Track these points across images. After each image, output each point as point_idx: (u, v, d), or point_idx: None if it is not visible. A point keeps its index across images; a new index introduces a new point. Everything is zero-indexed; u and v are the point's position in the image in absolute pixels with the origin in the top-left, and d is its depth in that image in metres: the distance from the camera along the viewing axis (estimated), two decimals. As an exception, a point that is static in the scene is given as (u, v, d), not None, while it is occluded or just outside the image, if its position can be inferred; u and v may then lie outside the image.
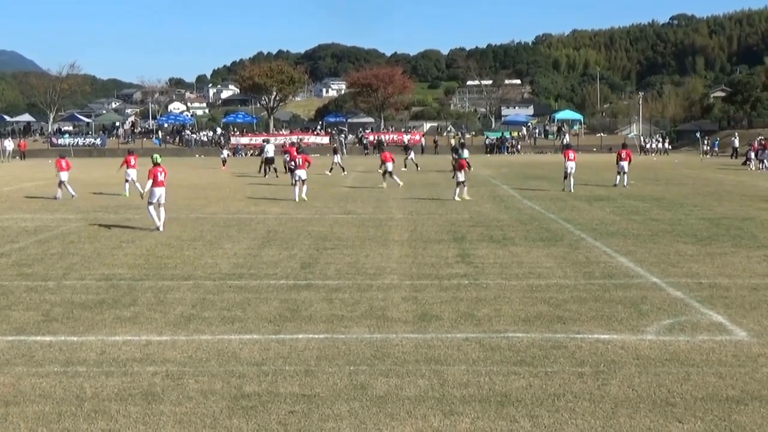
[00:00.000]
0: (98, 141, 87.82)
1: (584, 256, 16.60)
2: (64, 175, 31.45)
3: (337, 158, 48.13)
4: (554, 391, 8.33)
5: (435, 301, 12.54)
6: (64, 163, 31.93)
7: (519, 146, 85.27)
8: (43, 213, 25.75)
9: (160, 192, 21.52)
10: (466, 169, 29.71)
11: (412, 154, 48.50)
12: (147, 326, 11.09)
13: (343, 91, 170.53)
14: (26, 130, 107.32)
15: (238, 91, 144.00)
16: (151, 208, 21.43)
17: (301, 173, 29.40)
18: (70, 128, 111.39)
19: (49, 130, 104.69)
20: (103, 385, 8.62)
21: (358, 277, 14.59)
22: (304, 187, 29.49)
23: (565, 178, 34.03)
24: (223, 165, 52.16)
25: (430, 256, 16.85)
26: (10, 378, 8.87)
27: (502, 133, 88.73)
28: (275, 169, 45.12)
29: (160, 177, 21.62)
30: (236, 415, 7.73)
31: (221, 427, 7.42)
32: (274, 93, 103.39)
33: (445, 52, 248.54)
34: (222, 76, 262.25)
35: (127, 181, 33.31)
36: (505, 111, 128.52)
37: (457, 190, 29.10)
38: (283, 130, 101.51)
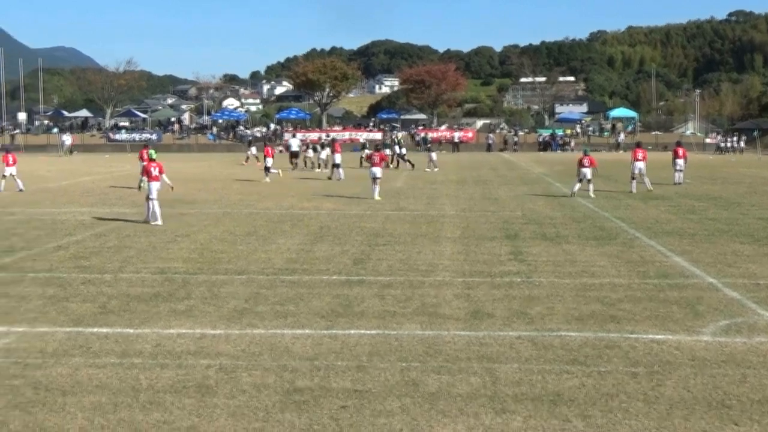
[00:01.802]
0: (154, 136, 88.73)
1: (639, 255, 16.42)
2: (10, 170, 32.75)
3: (388, 151, 48.50)
4: (607, 390, 8.26)
5: (487, 298, 12.50)
6: (11, 158, 33.18)
7: (572, 144, 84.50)
8: (100, 207, 26.13)
9: (155, 186, 21.93)
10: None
11: (434, 155, 47.92)
12: (201, 320, 11.21)
13: (395, 88, 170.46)
14: (84, 125, 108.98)
15: (292, 87, 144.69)
16: (150, 203, 21.80)
17: (376, 171, 29.11)
18: (127, 124, 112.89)
19: (106, 125, 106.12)
20: (158, 376, 8.73)
21: (410, 273, 14.59)
22: (378, 186, 29.20)
23: (633, 179, 31.61)
24: (246, 161, 52.08)
25: (482, 253, 16.80)
26: (68, 369, 9.02)
27: (554, 131, 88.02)
28: (296, 163, 47.05)
29: (154, 172, 22.05)
30: (288, 409, 7.78)
31: (273, 421, 7.47)
32: (327, 89, 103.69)
33: (498, 48, 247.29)
34: (276, 72, 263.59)
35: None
36: (558, 108, 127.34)
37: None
38: (335, 126, 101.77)
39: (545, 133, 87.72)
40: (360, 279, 14.06)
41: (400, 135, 64.63)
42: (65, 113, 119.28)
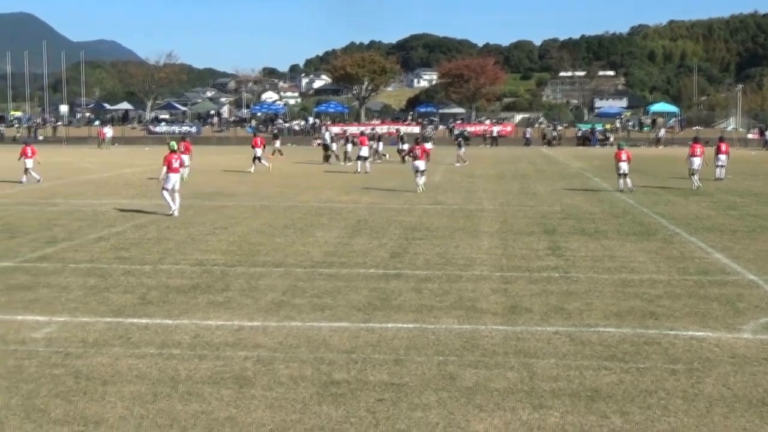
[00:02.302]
0: (193, 129, 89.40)
1: (678, 251, 16.27)
2: (28, 162, 33.12)
3: (429, 145, 48.53)
4: (646, 387, 8.20)
5: (525, 293, 12.46)
6: (29, 150, 33.63)
7: (611, 138, 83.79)
8: (140, 199, 26.37)
9: (174, 178, 22.22)
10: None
11: (462, 150, 47.59)
12: (239, 312, 11.28)
13: (434, 82, 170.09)
14: (125, 117, 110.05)
15: (330, 80, 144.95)
16: (165, 193, 22.09)
17: (419, 164, 29.22)
18: (167, 116, 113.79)
19: (147, 118, 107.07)
20: (197, 367, 8.80)
21: (447, 267, 14.58)
22: (423, 178, 29.36)
23: (692, 174, 30.95)
24: (272, 154, 52.12)
25: (520, 248, 16.74)
26: (108, 358, 9.12)
27: (593, 125, 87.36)
28: (328, 156, 47.08)
29: (175, 164, 22.31)
30: (326, 401, 7.81)
31: (311, 413, 7.51)
32: (366, 83, 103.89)
33: (537, 42, 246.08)
34: (314, 65, 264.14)
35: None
36: (598, 103, 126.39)
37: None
38: (374, 119, 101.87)
39: (584, 128, 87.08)
40: (397, 272, 14.07)
41: (403, 130, 64.47)
42: (106, 106, 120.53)
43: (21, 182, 32.04)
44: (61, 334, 10.14)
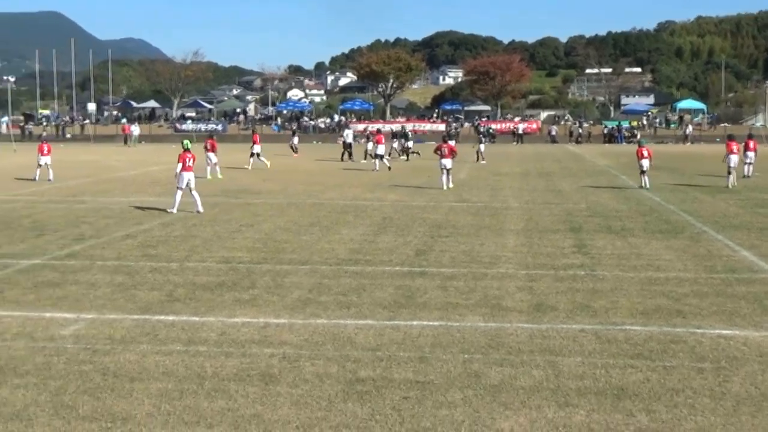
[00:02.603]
0: (219, 127, 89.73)
1: (706, 249, 16.17)
2: (44, 159, 33.38)
3: (396, 145, 48.94)
4: (673, 386, 8.16)
5: (550, 291, 12.43)
6: (45, 148, 33.92)
7: (638, 136, 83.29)
8: (167, 196, 26.44)
9: (188, 176, 22.35)
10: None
11: (482, 147, 47.54)
12: (265, 309, 11.33)
13: (460, 79, 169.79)
14: (151, 115, 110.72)
15: (356, 78, 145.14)
16: (179, 192, 22.22)
17: (446, 162, 29.29)
18: (193, 114, 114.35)
19: (173, 115, 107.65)
20: (223, 365, 8.86)
21: (472, 265, 14.57)
22: (450, 176, 29.48)
23: (730, 173, 30.38)
24: (295, 152, 52.14)
25: (545, 245, 16.69)
26: (135, 355, 9.19)
27: (619, 122, 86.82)
28: (350, 154, 46.87)
29: (189, 162, 22.40)
30: (351, 399, 7.83)
31: (336, 411, 7.53)
32: (391, 80, 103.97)
33: (563, 39, 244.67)
34: (340, 63, 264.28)
35: (208, 165, 34.36)
36: (624, 100, 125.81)
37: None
38: (399, 117, 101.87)
39: (610, 125, 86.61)
40: (422, 270, 14.08)
41: (408, 127, 64.44)
42: (133, 104, 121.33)
43: (34, 179, 32.35)
44: (89, 331, 10.23)
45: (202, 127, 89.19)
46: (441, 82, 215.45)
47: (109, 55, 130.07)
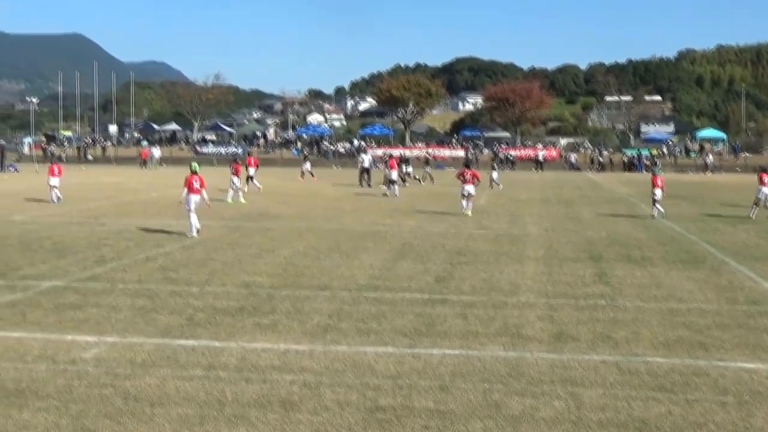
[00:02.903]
0: (239, 150, 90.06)
1: (727, 281, 16.08)
2: (54, 181, 33.64)
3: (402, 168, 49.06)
4: (695, 419, 8.10)
5: (571, 320, 12.38)
6: (56, 169, 34.27)
7: (659, 164, 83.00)
8: (187, 219, 26.56)
9: (195, 199, 22.43)
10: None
11: (495, 174, 47.83)
12: (285, 335, 11.33)
13: (479, 105, 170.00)
14: (172, 138, 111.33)
15: (376, 103, 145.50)
16: (192, 215, 22.31)
17: (469, 188, 29.39)
18: (213, 137, 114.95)
19: (194, 138, 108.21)
20: (243, 390, 8.86)
21: (492, 293, 14.54)
22: (470, 203, 29.59)
23: (756, 204, 29.88)
24: (302, 176, 52.20)
25: (565, 274, 16.64)
26: (156, 379, 9.21)
27: (639, 150, 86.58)
28: (369, 179, 46.66)
29: (195, 185, 22.53)
30: (371, 427, 7.82)
31: (357, 439, 7.52)
32: (411, 106, 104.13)
33: (583, 66, 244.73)
34: (360, 88, 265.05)
35: (231, 188, 34.79)
36: (644, 128, 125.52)
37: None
38: (418, 142, 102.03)
39: (630, 153, 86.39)
40: (442, 298, 14.06)
41: (407, 153, 64.84)
42: (155, 126, 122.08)
43: (50, 201, 32.57)
44: (110, 354, 10.27)
45: (222, 150, 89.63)
46: (460, 108, 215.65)
47: (131, 78, 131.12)
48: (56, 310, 12.74)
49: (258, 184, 39.26)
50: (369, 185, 45.74)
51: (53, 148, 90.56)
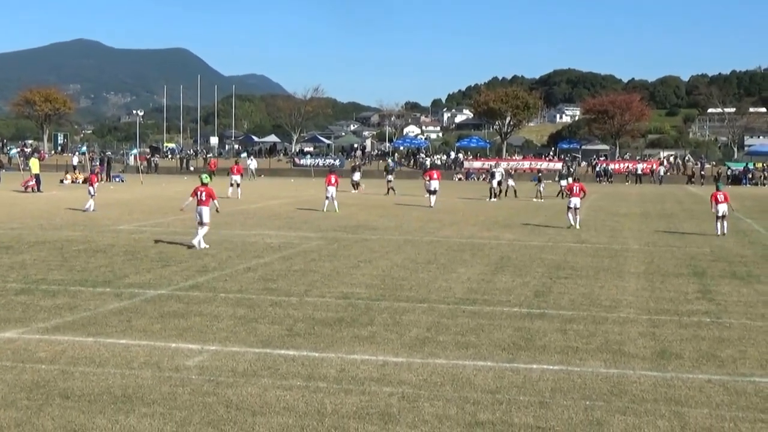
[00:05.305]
0: (337, 162, 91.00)
1: (839, 299, 15.51)
2: (92, 189, 34.53)
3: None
4: (807, 443, 7.84)
5: (674, 338, 12.11)
6: (96, 178, 36.39)
7: (720, 178, 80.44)
8: (286, 230, 26.96)
9: (200, 210, 22.32)
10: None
11: (542, 186, 47.74)
12: (384, 347, 11.37)
13: (577, 117, 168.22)
14: (272, 150, 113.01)
15: (472, 115, 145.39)
16: (201, 228, 22.12)
17: (575, 201, 29.53)
18: (311, 149, 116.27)
19: (293, 150, 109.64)
20: (343, 402, 8.91)
21: (592, 308, 14.33)
22: (578, 217, 29.69)
23: None
24: (354, 188, 52.02)
25: (668, 290, 16.30)
26: (257, 389, 9.34)
27: (746, 164, 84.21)
28: (498, 192, 47.06)
29: (201, 196, 22.49)
30: (471, 441, 7.77)
31: (456, 453, 7.48)
32: (508, 118, 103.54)
33: (685, 78, 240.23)
34: (457, 100, 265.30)
35: (327, 198, 35.71)
36: (748, 141, 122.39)
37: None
38: (515, 155, 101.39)
39: (735, 167, 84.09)
40: (541, 312, 13.92)
41: (391, 163, 64.55)
42: (255, 138, 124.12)
43: (89, 210, 33.24)
44: (212, 362, 10.45)
45: (320, 161, 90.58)
46: (558, 120, 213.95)
47: (233, 91, 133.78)
48: (161, 318, 13.04)
49: (239, 192, 42.60)
50: (498, 197, 46.27)
51: (157, 159, 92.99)
